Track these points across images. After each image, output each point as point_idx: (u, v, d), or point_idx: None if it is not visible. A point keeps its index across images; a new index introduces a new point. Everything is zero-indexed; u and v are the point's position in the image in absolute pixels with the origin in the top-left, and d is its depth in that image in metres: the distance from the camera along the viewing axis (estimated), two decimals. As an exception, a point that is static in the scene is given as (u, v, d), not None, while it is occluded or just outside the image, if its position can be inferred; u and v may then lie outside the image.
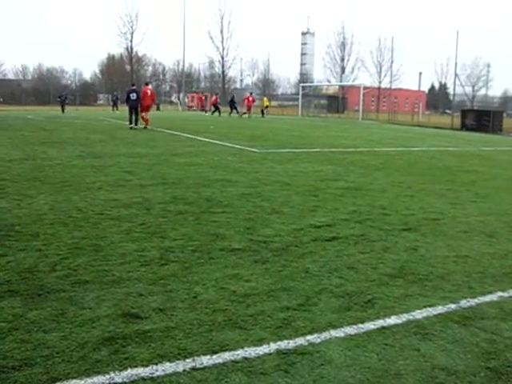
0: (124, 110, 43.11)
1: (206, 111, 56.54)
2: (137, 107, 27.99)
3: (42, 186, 10.01)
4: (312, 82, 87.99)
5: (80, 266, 5.44)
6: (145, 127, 27.87)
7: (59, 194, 9.16)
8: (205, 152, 16.74)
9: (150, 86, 30.21)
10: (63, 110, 53.65)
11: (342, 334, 4.04)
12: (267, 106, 55.91)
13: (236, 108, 53.83)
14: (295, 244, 6.40)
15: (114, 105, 59.32)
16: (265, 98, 58.36)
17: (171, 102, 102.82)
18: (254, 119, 46.55)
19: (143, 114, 28.48)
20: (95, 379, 3.33)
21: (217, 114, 52.09)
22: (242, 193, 9.63)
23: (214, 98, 55.71)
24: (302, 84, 72.17)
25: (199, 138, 22.15)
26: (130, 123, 27.71)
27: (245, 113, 51.39)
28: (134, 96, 27.95)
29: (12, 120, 27.00)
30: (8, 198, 8.70)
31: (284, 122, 41.70)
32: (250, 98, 51.99)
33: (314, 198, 9.35)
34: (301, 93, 63.63)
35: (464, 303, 4.76)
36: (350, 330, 4.13)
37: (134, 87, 29.16)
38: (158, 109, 76.90)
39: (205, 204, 8.58)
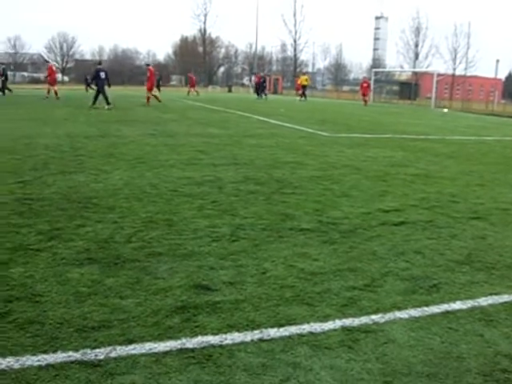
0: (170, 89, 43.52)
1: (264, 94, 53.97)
2: (104, 86, 27.24)
3: (117, 162, 10.34)
4: (384, 68, 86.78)
5: (154, 238, 5.66)
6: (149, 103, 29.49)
7: (133, 171, 9.45)
8: (275, 134, 16.86)
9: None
10: (158, 90, 53.55)
11: (406, 316, 4.10)
12: (304, 86, 50.62)
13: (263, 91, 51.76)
14: (363, 227, 6.46)
15: (157, 85, 57.12)
16: (302, 77, 52.29)
17: (243, 85, 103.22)
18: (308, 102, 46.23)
19: (152, 92, 30.17)
20: (168, 343, 3.50)
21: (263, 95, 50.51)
22: (312, 175, 9.71)
23: (256, 78, 54.23)
24: (374, 69, 71.31)
25: (270, 121, 22.27)
26: (108, 103, 26.36)
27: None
28: (103, 75, 27.14)
29: (88, 99, 27.74)
30: (86, 173, 9.05)
31: (355, 107, 41.36)
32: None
33: (383, 182, 9.35)
34: (373, 78, 62.85)
35: (532, 293, 4.73)
36: (415, 312, 4.18)
37: (101, 66, 28.63)
38: (229, 91, 77.50)
39: (275, 185, 8.71)
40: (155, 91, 31.66)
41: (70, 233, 5.74)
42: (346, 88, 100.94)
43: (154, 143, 13.36)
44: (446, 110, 37.64)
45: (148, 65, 32.38)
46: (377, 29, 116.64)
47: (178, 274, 4.69)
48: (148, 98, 30.00)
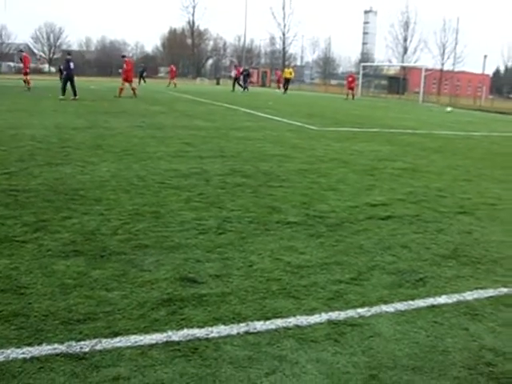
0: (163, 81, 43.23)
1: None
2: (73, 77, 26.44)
3: (104, 154, 10.30)
4: (373, 62, 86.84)
5: (140, 231, 5.65)
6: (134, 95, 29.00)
7: (120, 162, 9.42)
8: (263, 127, 16.86)
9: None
10: (143, 81, 53.00)
11: (392, 310, 4.11)
12: (288, 79, 49.61)
13: (240, 83, 49.98)
14: (350, 220, 6.47)
15: (141, 76, 54.51)
16: (286, 70, 51.12)
17: (231, 77, 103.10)
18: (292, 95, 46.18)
19: (126, 84, 29.45)
20: (154, 336, 3.50)
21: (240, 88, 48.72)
22: (300, 168, 9.72)
23: (236, 70, 52.14)
24: (362, 64, 71.34)
25: (257, 114, 22.25)
26: (64, 93, 25.72)
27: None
28: (72, 65, 26.40)
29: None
30: (72, 165, 9.01)
31: (343, 101, 41.38)
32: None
33: (370, 177, 9.38)
34: (361, 72, 62.87)
35: (516, 287, 4.75)
36: (401, 306, 4.19)
37: (71, 56, 27.74)
38: (217, 83, 77.23)
39: (262, 178, 8.71)
40: (136, 83, 30.92)
41: (56, 224, 5.71)
42: (334, 82, 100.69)
43: (142, 135, 13.32)
44: (449, 109, 36.85)
45: (124, 56, 32.01)
46: (366, 23, 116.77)
47: (165, 267, 4.68)
48: (134, 90, 29.52)
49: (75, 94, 25.73)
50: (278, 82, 59.16)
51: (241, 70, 52.56)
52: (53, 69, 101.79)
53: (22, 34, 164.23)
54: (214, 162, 9.95)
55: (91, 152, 10.39)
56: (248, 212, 6.58)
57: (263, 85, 77.41)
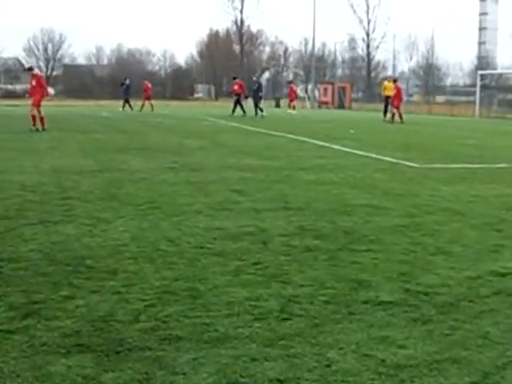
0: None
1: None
2: None
3: (122, 207, 10.43)
4: (495, 69, 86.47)
5: (171, 316, 5.64)
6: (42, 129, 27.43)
7: (144, 219, 9.52)
8: (342, 166, 16.92)
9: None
10: (128, 105, 53.75)
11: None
12: (389, 97, 45.57)
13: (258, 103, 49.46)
14: (469, 298, 6.35)
15: (126, 100, 55.90)
16: (387, 84, 47.90)
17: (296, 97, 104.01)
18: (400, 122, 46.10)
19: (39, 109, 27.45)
20: None
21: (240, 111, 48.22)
22: (395, 224, 9.65)
23: (236, 85, 52.40)
24: (480, 72, 71.15)
25: (334, 147, 22.36)
26: None
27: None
28: None
29: (82, 119, 28.02)
30: (76, 223, 9.14)
31: (454, 126, 41.19)
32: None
33: (496, 233, 9.23)
34: (479, 84, 62.69)
35: None
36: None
37: None
38: (277, 105, 77.68)
39: (343, 238, 8.67)
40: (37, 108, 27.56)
41: (53, 308, 5.75)
42: (440, 99, 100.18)
43: (173, 180, 13.49)
44: (352, 132, 34.29)
45: (31, 69, 30.90)
46: (483, 14, 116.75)
47: (205, 368, 4.64)
48: (33, 117, 27.55)
49: None
50: (290, 99, 64.42)
51: (242, 84, 52.78)
52: (51, 90, 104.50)
53: (11, 47, 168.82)
54: (274, 216, 9.98)
55: (103, 205, 10.54)
56: (323, 288, 6.52)
57: (341, 106, 77.57)
